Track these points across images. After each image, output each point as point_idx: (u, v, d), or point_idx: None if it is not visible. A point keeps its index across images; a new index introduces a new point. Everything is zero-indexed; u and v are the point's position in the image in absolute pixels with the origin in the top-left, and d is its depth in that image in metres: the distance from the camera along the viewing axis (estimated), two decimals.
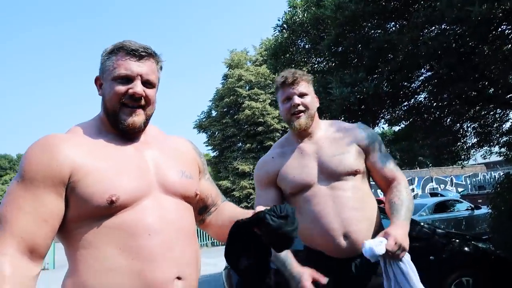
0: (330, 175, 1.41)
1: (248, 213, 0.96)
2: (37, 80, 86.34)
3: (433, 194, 17.20)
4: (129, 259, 0.85)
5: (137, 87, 0.94)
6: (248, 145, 17.97)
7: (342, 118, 3.66)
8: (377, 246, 1.09)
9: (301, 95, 1.45)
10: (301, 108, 1.44)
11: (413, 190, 22.08)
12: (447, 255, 3.87)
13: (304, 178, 1.43)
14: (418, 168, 24.06)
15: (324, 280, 1.21)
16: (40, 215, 0.83)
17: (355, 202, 1.39)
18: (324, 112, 3.57)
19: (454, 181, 22.79)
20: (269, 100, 18.54)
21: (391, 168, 1.46)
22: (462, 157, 7.08)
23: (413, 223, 4.09)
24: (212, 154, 18.81)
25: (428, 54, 3.07)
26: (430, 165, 22.83)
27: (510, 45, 3.31)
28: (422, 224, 4.13)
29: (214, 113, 18.73)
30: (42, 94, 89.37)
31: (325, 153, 1.44)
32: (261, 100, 18.47)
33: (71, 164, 0.87)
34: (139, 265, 0.85)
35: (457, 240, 4.03)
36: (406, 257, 1.16)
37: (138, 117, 0.96)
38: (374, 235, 1.35)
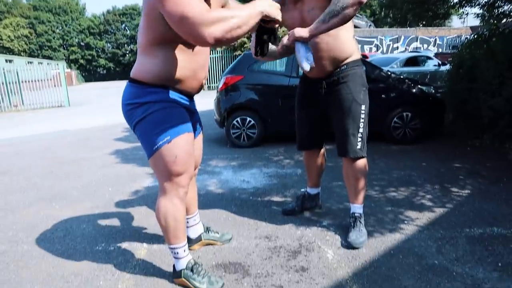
0: (306, 25, 2.06)
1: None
2: None
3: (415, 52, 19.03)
4: None
5: None
6: None
7: None
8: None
9: None
10: None
11: (397, 48, 24.36)
12: (395, 94, 5.31)
13: (289, 26, 2.20)
14: (408, 28, 25.40)
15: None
16: None
17: (322, 43, 2.13)
18: None
19: (438, 42, 24.83)
20: None
21: None
22: (441, 16, 8.18)
23: (373, 68, 5.48)
24: None
25: None
26: (421, 25, 24.24)
27: None
28: (381, 69, 5.49)
29: None
30: None
31: (305, 8, 2.10)
32: None
33: None
34: None
35: (407, 83, 5.43)
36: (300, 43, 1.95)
37: None
38: (335, 65, 2.19)
